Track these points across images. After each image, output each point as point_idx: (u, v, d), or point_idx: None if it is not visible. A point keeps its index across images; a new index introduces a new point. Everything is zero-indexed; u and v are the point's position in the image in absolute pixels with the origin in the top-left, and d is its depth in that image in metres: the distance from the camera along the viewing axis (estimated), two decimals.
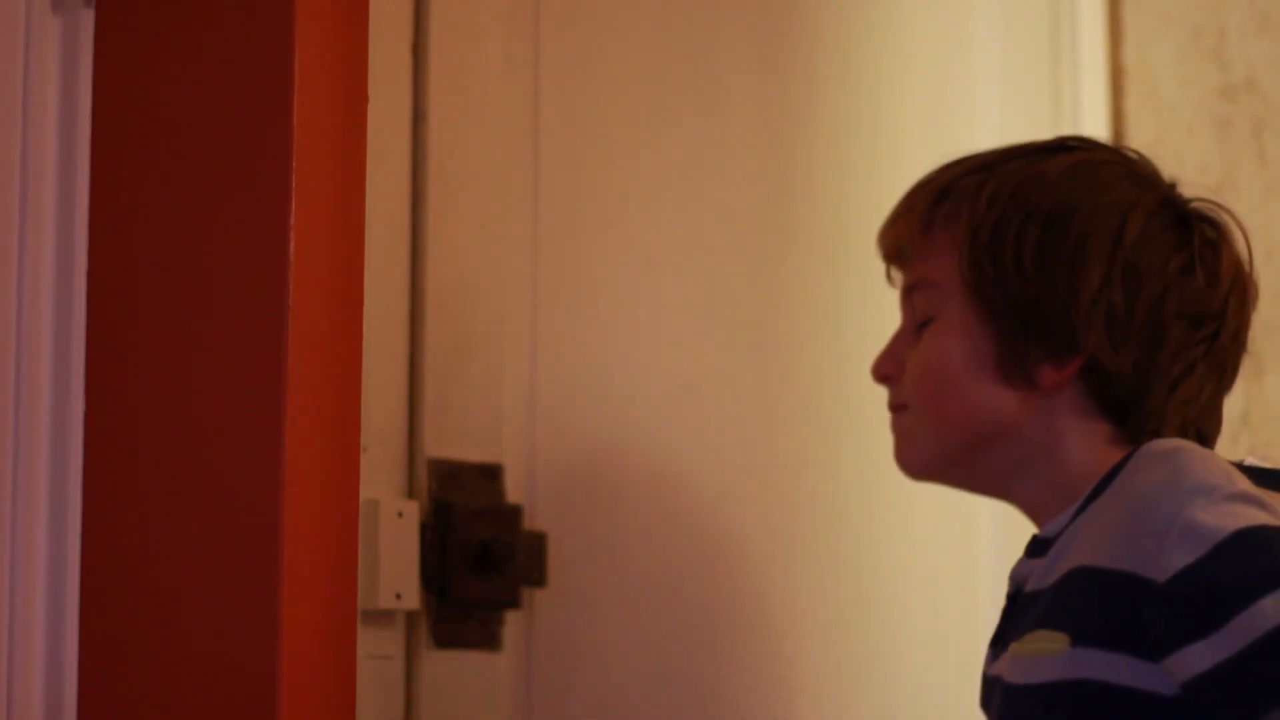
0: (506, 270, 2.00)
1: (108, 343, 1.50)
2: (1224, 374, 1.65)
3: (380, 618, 1.87)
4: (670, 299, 2.14)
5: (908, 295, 1.70)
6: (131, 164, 1.50)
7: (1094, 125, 2.53)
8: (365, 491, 1.78)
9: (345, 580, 1.47)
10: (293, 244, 1.44)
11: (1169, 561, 1.44)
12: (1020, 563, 1.64)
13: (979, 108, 2.48)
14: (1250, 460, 1.58)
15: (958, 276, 1.64)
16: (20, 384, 1.48)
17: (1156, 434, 1.61)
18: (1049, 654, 1.49)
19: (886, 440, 2.35)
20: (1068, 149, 1.68)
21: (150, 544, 1.47)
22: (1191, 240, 1.63)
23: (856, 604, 2.26)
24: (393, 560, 1.86)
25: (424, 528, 1.90)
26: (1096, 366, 1.61)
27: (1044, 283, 1.61)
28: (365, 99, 1.52)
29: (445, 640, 1.91)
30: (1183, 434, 1.62)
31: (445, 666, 1.91)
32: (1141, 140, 2.51)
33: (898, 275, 1.73)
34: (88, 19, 1.52)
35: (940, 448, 1.67)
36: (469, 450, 1.94)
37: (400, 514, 1.87)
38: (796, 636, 2.20)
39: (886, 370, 1.71)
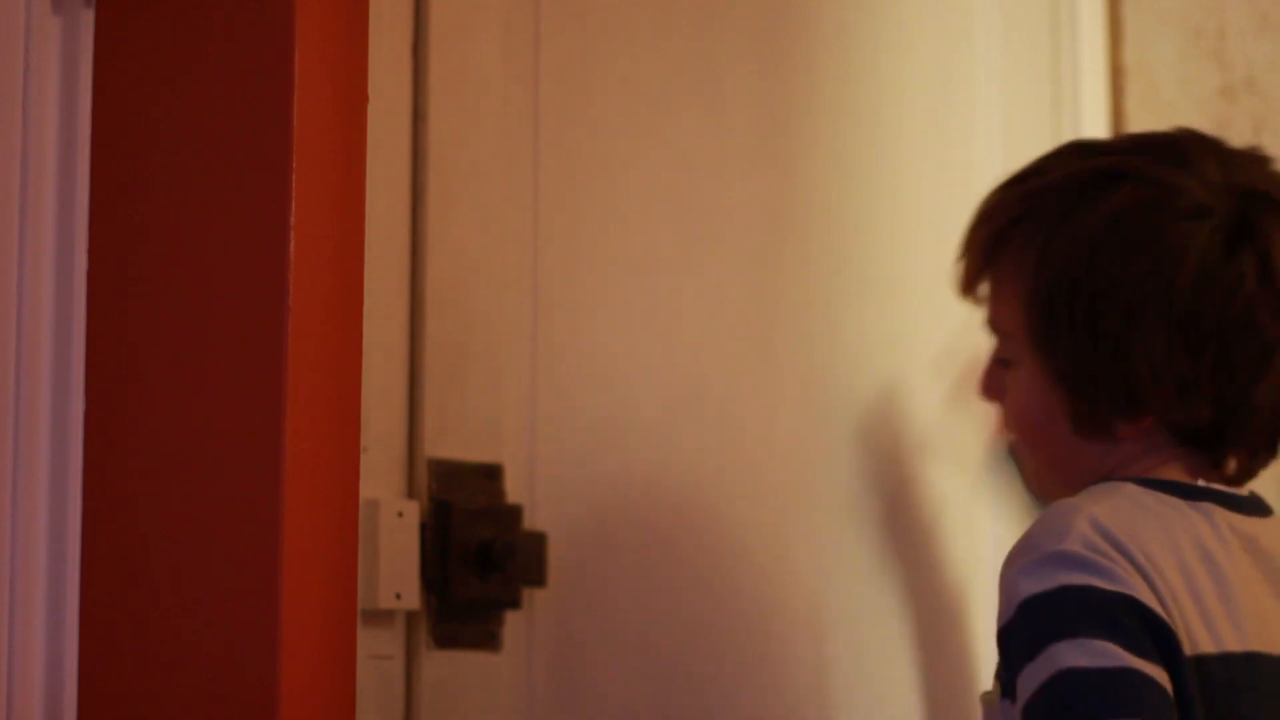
0: (506, 270, 2.00)
1: (108, 343, 1.50)
2: None
3: (380, 618, 1.87)
4: (670, 299, 2.14)
5: (988, 329, 1.69)
6: (131, 164, 1.51)
7: (1094, 125, 2.53)
8: (365, 491, 1.78)
9: (345, 580, 1.48)
10: (293, 244, 1.44)
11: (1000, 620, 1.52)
12: None
13: (979, 108, 2.47)
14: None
15: (1024, 332, 1.62)
16: (20, 384, 1.48)
17: (1225, 456, 1.62)
18: (995, 704, 1.55)
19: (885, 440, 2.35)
20: (1120, 178, 1.59)
21: (150, 544, 1.47)
22: (1259, 245, 1.57)
23: (855, 603, 2.26)
24: (393, 560, 1.86)
25: (424, 528, 1.90)
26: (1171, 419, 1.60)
27: (1100, 356, 1.58)
28: (365, 99, 1.52)
29: (445, 640, 1.91)
30: (1260, 444, 1.62)
31: (445, 666, 1.91)
32: None
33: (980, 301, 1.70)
34: (88, 19, 1.52)
35: (1059, 486, 1.65)
36: (469, 450, 1.94)
37: (400, 514, 1.87)
38: (795, 637, 2.20)
39: (987, 393, 1.70)
